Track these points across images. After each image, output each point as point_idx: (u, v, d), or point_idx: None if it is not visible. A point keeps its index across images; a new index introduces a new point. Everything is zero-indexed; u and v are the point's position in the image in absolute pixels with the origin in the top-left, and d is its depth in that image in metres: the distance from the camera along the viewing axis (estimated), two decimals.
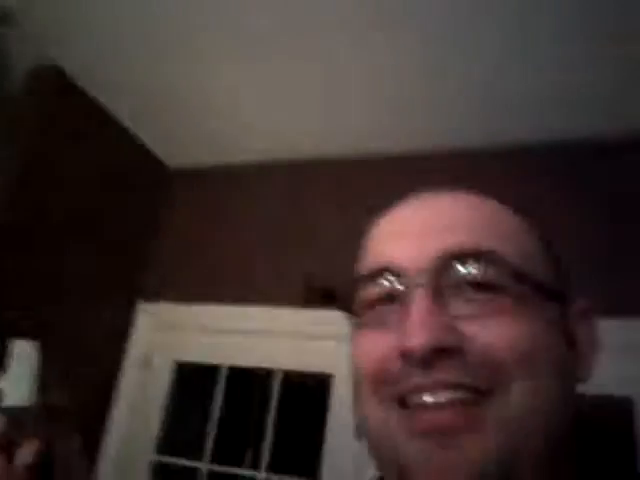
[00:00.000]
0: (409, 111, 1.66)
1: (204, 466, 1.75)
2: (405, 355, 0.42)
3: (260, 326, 1.74)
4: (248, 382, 1.87)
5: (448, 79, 1.52)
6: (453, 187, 0.50)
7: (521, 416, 0.42)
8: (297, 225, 1.84)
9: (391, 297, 0.46)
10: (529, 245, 0.48)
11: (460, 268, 0.44)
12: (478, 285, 0.44)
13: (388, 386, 0.44)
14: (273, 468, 1.68)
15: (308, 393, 1.70)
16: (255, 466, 1.71)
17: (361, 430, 0.49)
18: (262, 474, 1.68)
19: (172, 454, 1.80)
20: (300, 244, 1.80)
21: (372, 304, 0.47)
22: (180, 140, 1.97)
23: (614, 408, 1.40)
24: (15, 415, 0.63)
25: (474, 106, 1.60)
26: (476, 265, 0.44)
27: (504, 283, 0.43)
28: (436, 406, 0.42)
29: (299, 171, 1.93)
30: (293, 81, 1.61)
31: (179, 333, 1.87)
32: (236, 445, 1.81)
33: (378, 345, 0.45)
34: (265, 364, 1.77)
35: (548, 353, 0.44)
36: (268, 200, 1.93)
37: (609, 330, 1.42)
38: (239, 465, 1.74)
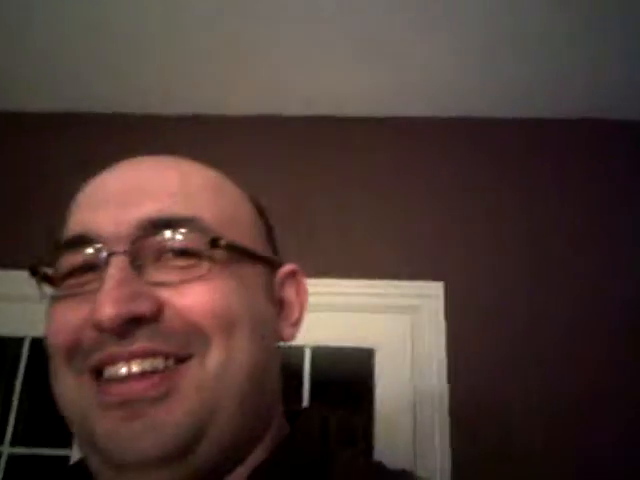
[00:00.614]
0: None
1: None
2: (96, 327, 0.40)
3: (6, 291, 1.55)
4: None
5: None
6: (160, 152, 0.49)
7: (216, 379, 0.42)
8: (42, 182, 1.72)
9: (91, 266, 0.44)
10: (232, 212, 0.49)
11: (159, 235, 0.43)
12: (178, 252, 0.44)
13: (82, 358, 0.42)
14: (23, 442, 1.55)
15: None
16: (1, 441, 1.55)
17: (60, 406, 0.46)
18: (8, 448, 1.53)
19: None
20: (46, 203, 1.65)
21: (71, 274, 0.45)
22: None
23: (358, 358, 1.56)
24: None
25: None
26: (175, 232, 0.44)
27: (203, 249, 0.44)
28: (127, 377, 0.41)
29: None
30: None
31: None
32: None
33: (73, 316, 0.43)
34: (14, 332, 1.60)
35: (248, 316, 0.45)
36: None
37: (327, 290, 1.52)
38: None
